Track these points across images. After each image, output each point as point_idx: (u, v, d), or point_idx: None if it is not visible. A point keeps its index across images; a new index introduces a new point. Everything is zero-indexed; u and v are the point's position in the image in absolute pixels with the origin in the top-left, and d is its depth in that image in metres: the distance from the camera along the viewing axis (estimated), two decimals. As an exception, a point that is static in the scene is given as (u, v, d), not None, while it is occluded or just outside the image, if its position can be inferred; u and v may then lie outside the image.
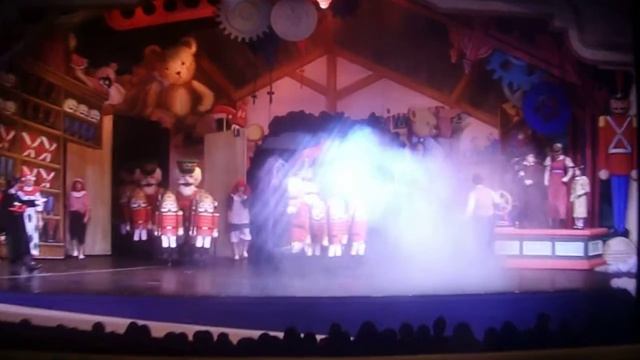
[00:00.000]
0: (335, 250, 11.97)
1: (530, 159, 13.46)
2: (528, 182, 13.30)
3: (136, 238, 13.27)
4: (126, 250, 13.53)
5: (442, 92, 16.44)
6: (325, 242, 11.95)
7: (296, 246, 11.91)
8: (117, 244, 14.08)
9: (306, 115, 15.43)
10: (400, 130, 16.17)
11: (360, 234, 12.00)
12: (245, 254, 14.00)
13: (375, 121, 15.30)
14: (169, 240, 12.52)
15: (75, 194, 13.48)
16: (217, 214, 12.60)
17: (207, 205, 12.50)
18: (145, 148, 14.42)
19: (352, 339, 6.61)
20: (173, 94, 16.13)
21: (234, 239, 13.90)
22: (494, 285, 10.07)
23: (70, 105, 13.74)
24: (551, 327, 7.12)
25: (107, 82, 14.81)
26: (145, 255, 13.06)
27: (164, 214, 12.49)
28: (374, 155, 12.28)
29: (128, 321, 6.86)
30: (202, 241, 12.54)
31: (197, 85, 16.36)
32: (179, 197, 12.82)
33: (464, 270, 10.56)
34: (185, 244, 12.79)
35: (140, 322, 6.78)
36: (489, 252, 11.86)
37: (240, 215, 13.76)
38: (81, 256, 13.50)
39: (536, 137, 14.25)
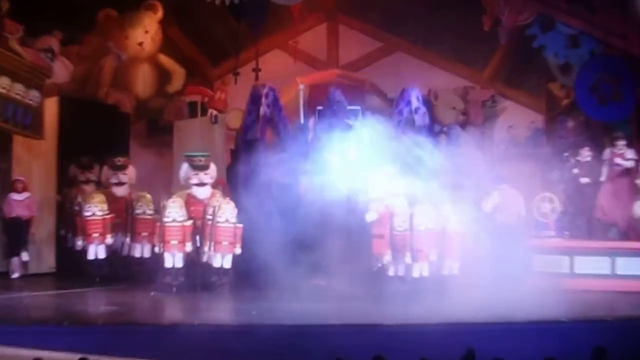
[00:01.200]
0: (421, 269, 11.88)
1: (585, 153, 13.42)
2: (584, 180, 13.24)
3: (91, 256, 12.99)
4: (77, 267, 13.41)
5: (471, 69, 16.44)
6: (408, 259, 11.85)
7: (377, 262, 11.87)
8: (65, 259, 13.99)
9: (301, 97, 15.41)
10: (419, 116, 16.18)
11: (452, 248, 11.93)
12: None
13: (387, 104, 15.31)
14: (173, 259, 12.16)
15: (16, 197, 13.37)
16: (240, 225, 12.20)
17: (228, 214, 12.09)
18: (100, 138, 14.32)
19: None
20: (134, 71, 16.11)
21: None
22: (537, 312, 10.04)
23: (2, 84, 13.63)
24: (610, 363, 7.08)
25: (49, 54, 14.75)
26: (103, 276, 12.97)
27: (167, 225, 12.07)
28: (385, 147, 12.31)
29: (77, 356, 6.78)
30: (222, 260, 12.18)
31: (164, 59, 16.33)
32: (190, 202, 12.46)
33: (499, 293, 10.63)
34: (197, 263, 12.46)
35: (93, 358, 6.71)
36: (525, 270, 11.96)
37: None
38: (19, 274, 13.40)
39: (591, 125, 14.23)
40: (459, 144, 15.14)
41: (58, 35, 14.94)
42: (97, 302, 11.63)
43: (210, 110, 15.64)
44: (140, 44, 15.93)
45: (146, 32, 15.88)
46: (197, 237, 12.34)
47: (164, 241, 12.09)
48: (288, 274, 11.40)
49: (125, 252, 13.22)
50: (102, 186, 13.81)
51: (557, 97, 15.22)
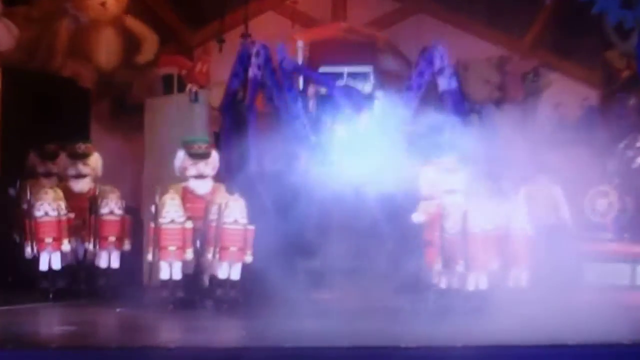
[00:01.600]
0: (477, 281, 11.86)
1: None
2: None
3: (43, 267, 12.78)
4: (26, 280, 13.37)
5: (509, 35, 16.43)
6: (460, 268, 11.79)
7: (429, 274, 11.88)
8: (10, 269, 13.94)
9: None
10: (445, 91, 16.17)
11: (519, 255, 11.88)
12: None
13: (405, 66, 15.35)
14: (170, 269, 12.10)
15: (-52, 190, 13.44)
16: (251, 227, 12.02)
17: (237, 213, 11.94)
18: (53, 119, 14.32)
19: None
20: (95, 37, 16.13)
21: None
22: (589, 333, 9.99)
23: None
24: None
25: (-11, 16, 14.76)
26: (58, 291, 12.78)
27: (164, 226, 11.97)
28: (402, 130, 12.49)
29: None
30: (228, 270, 12.05)
31: (133, 23, 16.35)
32: (187, 197, 12.32)
33: (543, 309, 10.73)
34: (198, 274, 12.37)
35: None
36: (574, 281, 12.12)
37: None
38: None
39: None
40: (494, 125, 15.10)
41: (0, -7, 14.94)
42: (51, 321, 11.55)
43: (189, 86, 15.62)
44: (103, 3, 15.92)
45: (110, -12, 15.87)
46: (197, 242, 12.23)
47: (159, 247, 11.97)
48: (284, 285, 11.39)
49: (89, 261, 13.05)
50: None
51: (616, 69, 15.22)
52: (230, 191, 12.28)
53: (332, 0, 16.98)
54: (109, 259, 12.88)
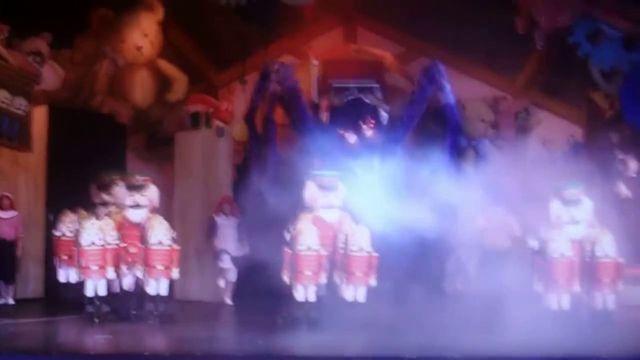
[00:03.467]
0: (559, 300, 11.69)
1: (633, 166, 13.31)
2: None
3: (89, 293, 12.15)
4: (70, 299, 13.07)
5: (503, 76, 16.42)
6: (539, 288, 11.77)
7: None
8: (55, 285, 13.75)
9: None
10: (444, 128, 16.12)
11: (602, 279, 11.70)
12: (229, 301, 14.08)
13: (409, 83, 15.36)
14: (305, 292, 11.76)
15: (2, 215, 13.38)
16: (375, 254, 11.82)
17: (362, 242, 11.77)
18: (94, 151, 14.32)
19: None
20: (131, 78, 16.14)
21: (224, 262, 14.01)
22: (595, 348, 9.90)
23: (-15, 92, 13.69)
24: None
25: (38, 58, 14.76)
26: (102, 316, 12.23)
27: (301, 253, 11.66)
28: (403, 165, 12.45)
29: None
30: (354, 292, 11.84)
31: (165, 65, 16.38)
32: (318, 226, 11.94)
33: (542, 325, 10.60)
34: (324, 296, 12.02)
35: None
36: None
37: (228, 243, 13.85)
38: (10, 301, 13.37)
39: (638, 139, 14.13)
40: (488, 159, 15.05)
41: (47, 38, 14.96)
42: (90, 330, 11.45)
43: (215, 122, 15.64)
44: (139, 48, 15.94)
45: (145, 35, 15.89)
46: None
47: (297, 271, 11.68)
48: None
49: (139, 288, 12.45)
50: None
51: (600, 108, 15.14)
52: (356, 220, 12.08)
53: (343, 42, 16.96)
54: (157, 286, 12.23)
